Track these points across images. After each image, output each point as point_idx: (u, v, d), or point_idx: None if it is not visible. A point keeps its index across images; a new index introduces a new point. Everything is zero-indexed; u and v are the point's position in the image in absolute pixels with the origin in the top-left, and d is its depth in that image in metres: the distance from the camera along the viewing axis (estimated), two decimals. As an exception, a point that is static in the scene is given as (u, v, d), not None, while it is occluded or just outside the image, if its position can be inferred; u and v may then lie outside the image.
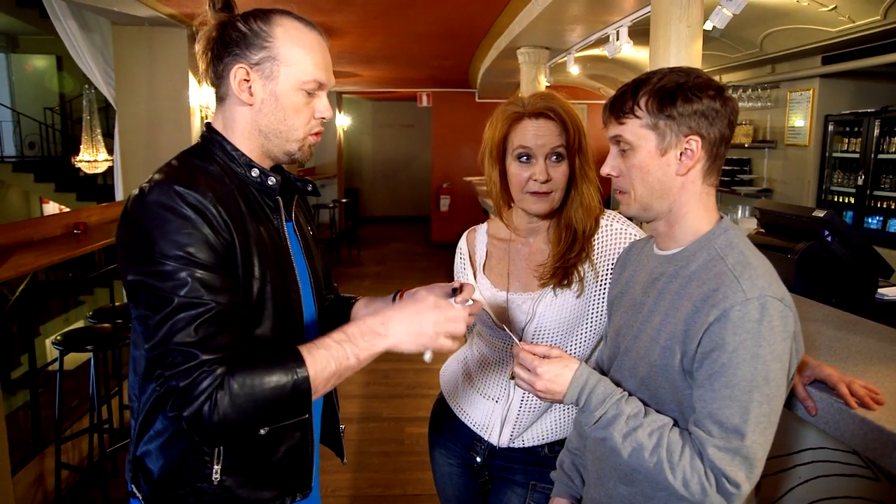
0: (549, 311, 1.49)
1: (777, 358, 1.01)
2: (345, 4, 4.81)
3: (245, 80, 1.14)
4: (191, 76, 5.55)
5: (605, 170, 1.18)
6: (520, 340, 1.26)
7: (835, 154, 5.31)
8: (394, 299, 1.55)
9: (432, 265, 9.26)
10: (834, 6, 3.98)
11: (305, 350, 1.05)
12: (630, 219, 1.44)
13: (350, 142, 13.80)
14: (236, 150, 1.18)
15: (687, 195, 1.13)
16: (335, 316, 1.48)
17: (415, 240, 11.85)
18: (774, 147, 5.88)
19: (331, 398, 1.42)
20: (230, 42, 1.14)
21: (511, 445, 1.56)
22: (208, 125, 1.21)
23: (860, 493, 1.35)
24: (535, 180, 1.43)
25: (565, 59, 5.69)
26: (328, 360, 1.06)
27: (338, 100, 11.85)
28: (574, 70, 5.67)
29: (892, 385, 1.26)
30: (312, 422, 1.32)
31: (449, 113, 10.98)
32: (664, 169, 1.11)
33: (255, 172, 1.18)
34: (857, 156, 5.03)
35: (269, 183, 1.19)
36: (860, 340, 1.55)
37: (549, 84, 6.04)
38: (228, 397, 0.99)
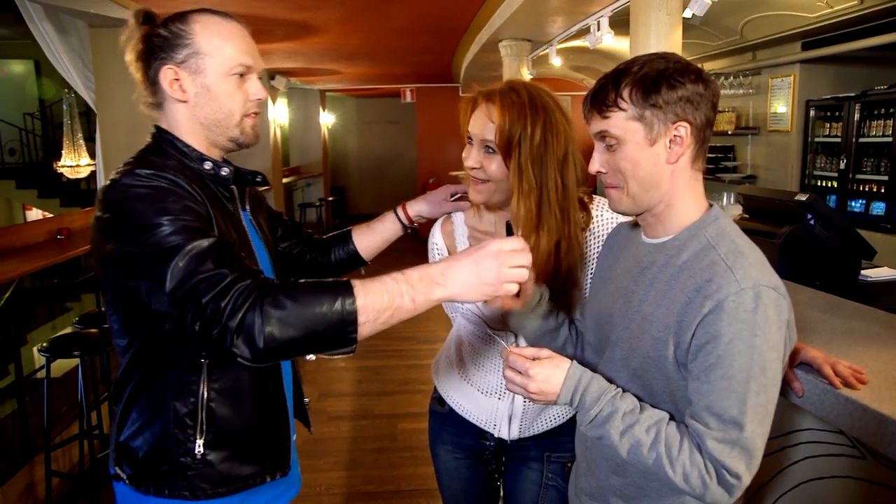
0: None
1: (773, 347, 1.01)
2: (325, 2, 4.78)
3: (175, 79, 1.20)
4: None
5: (594, 167, 1.15)
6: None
7: (817, 139, 5.35)
8: (406, 228, 1.68)
9: (422, 261, 9.19)
10: (812, -8, 4.01)
11: (356, 281, 1.03)
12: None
13: (335, 140, 13.74)
14: (187, 146, 1.25)
15: (677, 183, 1.10)
16: (335, 250, 1.62)
17: (403, 236, 11.77)
18: (757, 133, 5.92)
19: (295, 372, 1.46)
20: (155, 48, 1.21)
21: (522, 436, 1.55)
22: (157, 126, 1.28)
23: (847, 472, 1.37)
24: (466, 164, 1.41)
25: (547, 51, 5.69)
26: (381, 292, 1.02)
27: (321, 98, 11.80)
28: (556, 62, 5.68)
29: (875, 364, 1.28)
30: (286, 396, 1.36)
31: (433, 108, 10.96)
32: (654, 159, 1.08)
33: (207, 165, 1.25)
34: (838, 140, 5.08)
35: (223, 173, 1.26)
36: (844, 321, 1.57)
37: (532, 76, 6.04)
38: (270, 305, 0.97)
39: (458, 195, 1.61)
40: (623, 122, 1.07)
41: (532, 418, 1.55)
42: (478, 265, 1.04)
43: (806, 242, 2.17)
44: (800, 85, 5.32)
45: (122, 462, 1.25)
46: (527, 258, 1.07)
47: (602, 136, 1.11)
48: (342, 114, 13.93)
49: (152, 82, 1.23)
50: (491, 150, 1.36)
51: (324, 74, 9.64)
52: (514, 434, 1.55)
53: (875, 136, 4.77)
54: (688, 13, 2.91)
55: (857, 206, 4.97)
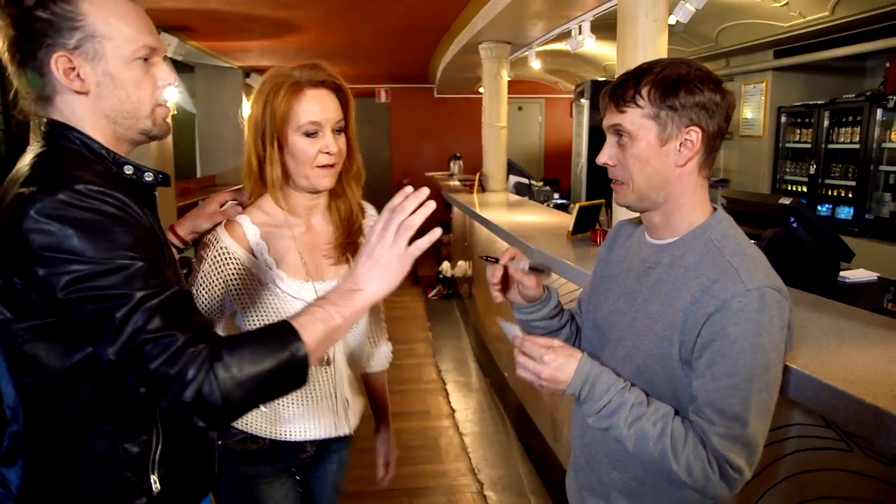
0: None
1: (775, 347, 1.05)
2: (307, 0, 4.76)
3: (70, 67, 1.02)
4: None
5: (603, 159, 1.17)
6: None
7: (787, 144, 5.50)
8: (180, 249, 1.56)
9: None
10: (785, 2, 4.12)
11: (293, 321, 1.01)
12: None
13: (308, 139, 13.64)
14: (104, 147, 1.07)
15: (683, 187, 1.13)
16: None
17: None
18: (730, 138, 6.04)
19: None
20: (36, 34, 1.01)
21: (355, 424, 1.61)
22: (53, 120, 1.07)
23: (835, 465, 1.40)
24: (325, 153, 1.40)
25: (526, 53, 5.74)
26: (314, 323, 1.02)
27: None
28: (536, 65, 5.73)
29: (865, 361, 1.32)
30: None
31: (408, 108, 10.95)
32: (663, 160, 1.11)
33: (129, 170, 1.09)
34: (808, 146, 5.22)
35: (147, 179, 1.10)
36: (831, 320, 1.61)
37: (510, 79, 6.09)
38: (223, 370, 0.93)
39: (230, 203, 1.56)
40: (638, 118, 1.11)
41: (357, 399, 1.61)
42: (374, 256, 1.05)
43: (788, 245, 2.23)
44: (772, 92, 5.46)
45: None
46: (409, 217, 1.08)
47: (616, 129, 1.14)
48: (316, 113, 13.81)
49: (40, 73, 1.04)
50: (340, 131, 1.45)
51: (299, 73, 9.57)
52: (354, 422, 1.58)
53: (843, 143, 4.92)
54: (672, 20, 2.97)
55: (824, 210, 5.12)
